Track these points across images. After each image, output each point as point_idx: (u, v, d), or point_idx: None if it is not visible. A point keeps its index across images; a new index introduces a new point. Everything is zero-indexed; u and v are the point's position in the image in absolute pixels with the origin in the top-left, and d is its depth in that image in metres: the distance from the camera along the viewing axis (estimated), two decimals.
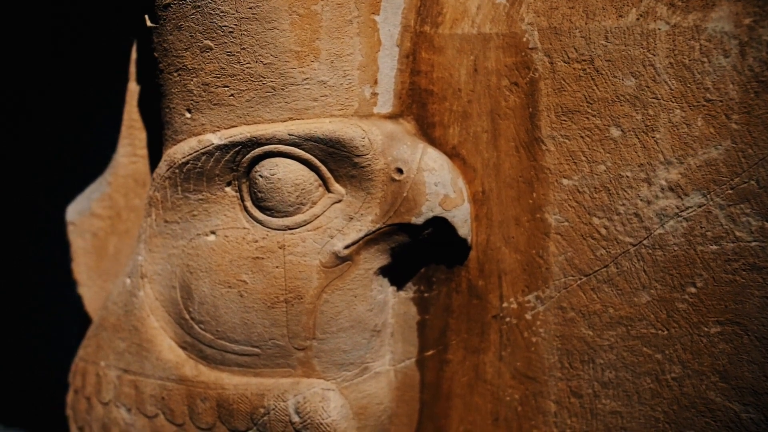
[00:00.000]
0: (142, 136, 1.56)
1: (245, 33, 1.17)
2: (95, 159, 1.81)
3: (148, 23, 1.27)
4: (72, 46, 2.80)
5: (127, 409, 1.37)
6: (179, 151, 1.26)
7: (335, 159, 1.20)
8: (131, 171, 1.59)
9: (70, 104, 2.84)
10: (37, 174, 3.00)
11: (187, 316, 1.31)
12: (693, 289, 1.13)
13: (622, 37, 1.13)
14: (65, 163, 2.78)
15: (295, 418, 1.23)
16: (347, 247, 1.22)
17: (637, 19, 1.13)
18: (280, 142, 1.19)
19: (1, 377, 3.14)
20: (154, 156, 1.51)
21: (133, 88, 1.56)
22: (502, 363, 1.27)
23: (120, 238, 1.63)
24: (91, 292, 1.67)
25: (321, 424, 1.22)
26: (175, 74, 1.25)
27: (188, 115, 1.26)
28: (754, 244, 1.09)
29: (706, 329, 1.13)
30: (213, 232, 1.27)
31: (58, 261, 2.00)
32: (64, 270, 1.74)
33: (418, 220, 1.20)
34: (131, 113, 1.56)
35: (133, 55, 1.54)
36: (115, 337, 1.41)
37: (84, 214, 1.65)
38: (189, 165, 1.25)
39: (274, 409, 1.24)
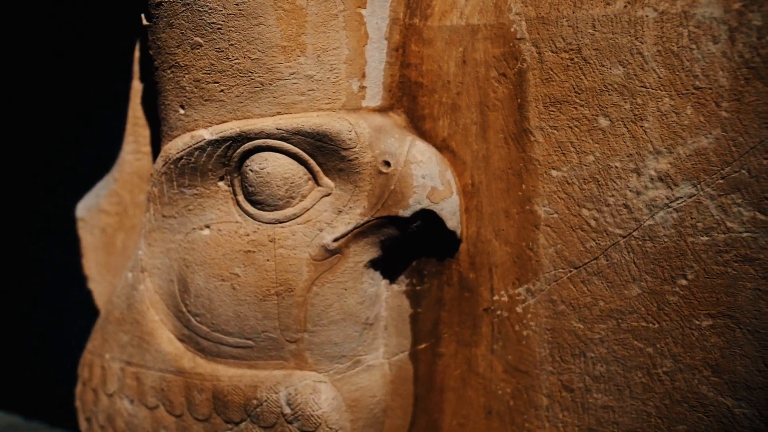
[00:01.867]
0: (145, 133, 1.59)
1: (233, 29, 1.19)
2: (104, 156, 1.84)
3: (144, 22, 1.30)
4: (76, 46, 2.85)
5: (130, 400, 1.40)
6: (174, 146, 1.29)
7: (323, 152, 1.20)
8: (136, 168, 1.62)
9: (79, 103, 2.90)
10: (48, 171, 3.07)
11: (184, 309, 1.33)
12: (684, 282, 1.11)
13: (610, 26, 1.11)
14: (75, 161, 2.84)
15: (287, 410, 1.24)
16: (336, 239, 1.22)
17: (625, 6, 1.11)
18: (269, 136, 1.20)
19: (18, 372, 3.22)
20: (156, 152, 1.53)
21: (136, 86, 1.58)
22: (494, 356, 1.26)
23: (127, 233, 1.66)
24: (100, 287, 1.71)
25: (311, 415, 1.23)
26: (169, 71, 1.27)
27: (182, 111, 1.28)
28: (745, 234, 1.06)
29: (697, 322, 1.10)
30: (207, 226, 1.29)
31: (69, 257, 2.04)
32: (74, 265, 1.78)
33: (406, 213, 1.20)
34: (135, 111, 1.59)
35: (136, 53, 1.57)
36: (118, 330, 1.44)
37: (93, 210, 1.69)
38: (183, 160, 1.27)
39: (266, 400, 1.26)
